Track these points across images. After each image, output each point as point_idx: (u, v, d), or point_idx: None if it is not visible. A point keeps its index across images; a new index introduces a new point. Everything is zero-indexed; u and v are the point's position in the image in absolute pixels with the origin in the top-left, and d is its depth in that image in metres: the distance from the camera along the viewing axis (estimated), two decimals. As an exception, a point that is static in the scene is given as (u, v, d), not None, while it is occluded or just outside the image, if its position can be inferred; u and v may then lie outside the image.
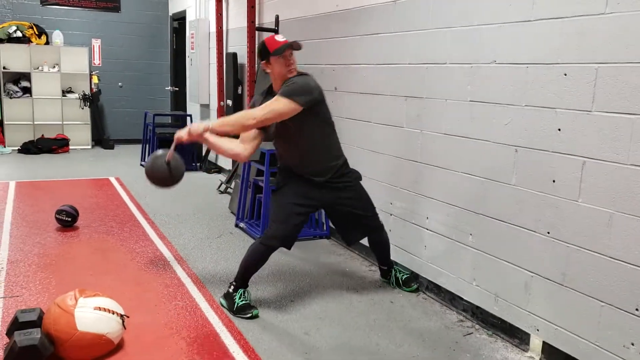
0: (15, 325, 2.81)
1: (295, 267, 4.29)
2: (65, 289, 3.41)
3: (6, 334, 2.89)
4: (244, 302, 3.41)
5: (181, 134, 3.37)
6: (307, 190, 3.49)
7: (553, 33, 2.82)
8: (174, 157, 3.61)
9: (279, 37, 3.41)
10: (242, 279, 3.49)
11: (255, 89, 5.83)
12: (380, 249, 3.93)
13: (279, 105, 3.21)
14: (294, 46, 3.37)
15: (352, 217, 3.67)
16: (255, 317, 3.37)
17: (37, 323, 2.82)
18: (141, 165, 8.40)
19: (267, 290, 3.83)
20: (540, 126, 2.91)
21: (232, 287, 3.49)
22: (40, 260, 4.19)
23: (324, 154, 3.51)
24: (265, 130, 3.44)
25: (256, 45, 6.42)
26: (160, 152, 3.73)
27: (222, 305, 3.49)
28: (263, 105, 3.28)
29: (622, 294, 2.55)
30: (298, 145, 3.45)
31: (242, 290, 3.46)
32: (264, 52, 3.36)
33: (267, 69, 3.41)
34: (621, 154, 2.52)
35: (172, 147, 3.54)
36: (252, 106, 3.48)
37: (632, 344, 2.52)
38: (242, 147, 3.46)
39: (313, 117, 3.35)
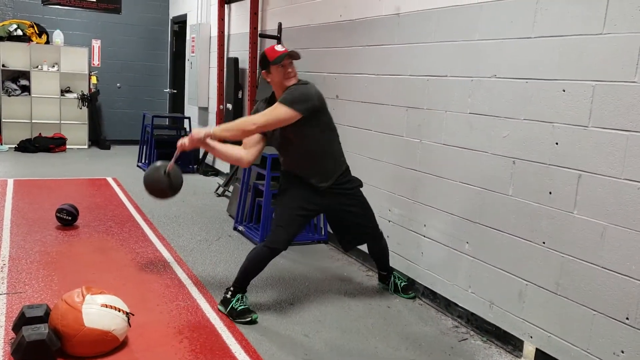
0: (22, 321, 2.87)
1: (294, 272, 4.36)
2: (68, 286, 3.49)
3: (12, 329, 2.95)
4: (243, 306, 3.44)
5: (183, 141, 3.46)
6: (310, 195, 3.56)
7: (552, 50, 2.93)
8: (174, 167, 3.68)
9: (279, 47, 3.49)
10: (241, 284, 3.53)
11: (257, 94, 5.91)
12: (379, 256, 4.02)
13: (279, 112, 3.30)
14: (293, 55, 3.46)
15: (352, 225, 3.76)
16: (255, 321, 3.41)
17: (44, 319, 2.88)
18: (138, 166, 8.46)
19: (267, 293, 3.90)
20: (538, 139, 3.01)
21: (230, 292, 3.51)
22: (41, 257, 4.25)
23: (325, 160, 3.58)
24: (267, 135, 3.52)
25: (258, 52, 6.51)
26: (159, 163, 3.80)
27: (221, 311, 3.51)
28: (264, 111, 3.37)
29: (614, 303, 2.65)
30: (300, 152, 3.53)
31: (240, 295, 3.49)
32: (264, 62, 3.46)
33: (268, 78, 3.50)
34: (615, 168, 2.62)
35: (175, 156, 3.61)
36: (255, 112, 3.57)
37: (622, 352, 2.61)
38: (244, 152, 3.53)
39: (314, 124, 3.43)
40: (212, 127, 3.42)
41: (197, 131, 3.42)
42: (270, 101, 3.57)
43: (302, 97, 3.35)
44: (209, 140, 3.41)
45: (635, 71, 2.53)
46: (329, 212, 3.77)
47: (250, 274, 3.54)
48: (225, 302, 3.50)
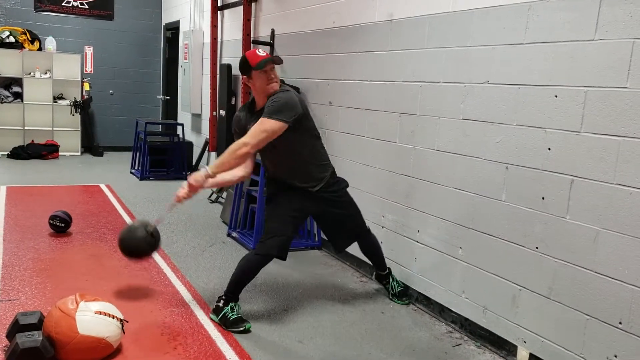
0: (16, 328, 2.86)
1: (288, 278, 4.36)
2: (62, 293, 3.47)
3: (6, 337, 2.93)
4: (235, 315, 3.40)
5: (182, 193, 3.36)
6: (300, 199, 3.54)
7: (544, 56, 2.96)
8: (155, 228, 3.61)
9: (260, 52, 3.40)
10: (233, 292, 3.49)
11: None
12: (372, 252, 4.01)
13: (267, 127, 3.24)
14: (275, 61, 3.41)
15: (340, 223, 3.75)
16: (248, 331, 3.38)
17: (37, 326, 2.87)
18: (131, 173, 8.44)
19: (261, 300, 3.90)
20: (531, 145, 3.04)
21: (222, 301, 3.47)
22: (35, 264, 4.23)
23: (311, 166, 3.55)
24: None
25: (251, 58, 6.52)
26: (136, 223, 3.69)
27: (213, 320, 3.48)
28: (251, 130, 3.30)
29: (607, 308, 2.67)
30: (286, 159, 3.50)
31: (232, 304, 3.46)
32: (245, 67, 3.37)
33: (249, 84, 3.42)
34: (608, 173, 2.65)
35: (169, 208, 3.61)
36: (237, 122, 3.55)
37: (615, 356, 2.63)
38: (242, 170, 3.50)
39: (298, 131, 3.39)
40: (207, 167, 3.33)
41: (195, 179, 3.30)
42: (250, 108, 3.53)
43: (287, 107, 3.29)
44: (210, 180, 3.34)
45: (627, 77, 2.56)
46: (318, 215, 3.76)
47: (241, 283, 3.51)
48: (217, 310, 3.47)
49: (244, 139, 3.30)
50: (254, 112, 3.47)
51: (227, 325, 3.39)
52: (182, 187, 3.37)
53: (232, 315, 3.40)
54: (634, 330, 2.55)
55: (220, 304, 3.47)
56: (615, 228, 2.62)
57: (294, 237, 3.64)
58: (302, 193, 3.54)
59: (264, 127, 3.25)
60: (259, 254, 3.49)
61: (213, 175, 3.31)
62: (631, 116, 2.54)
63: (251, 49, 6.46)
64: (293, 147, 3.45)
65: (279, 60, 3.45)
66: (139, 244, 3.57)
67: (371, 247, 4.01)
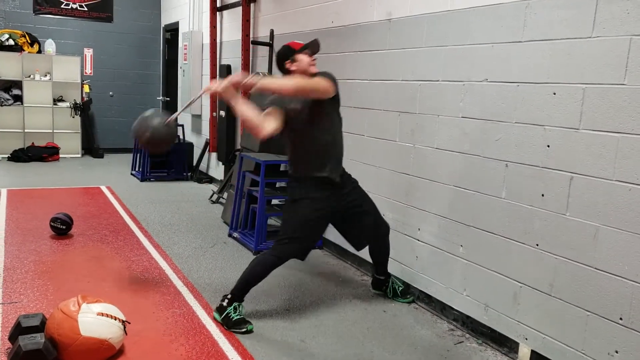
0: (18, 330, 2.87)
1: (290, 277, 4.37)
2: (64, 295, 3.48)
3: (9, 339, 2.94)
4: (238, 316, 3.41)
5: (217, 86, 3.29)
6: (325, 200, 3.51)
7: (543, 54, 2.96)
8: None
9: (299, 41, 3.59)
10: (240, 292, 3.49)
11: (251, 100, 5.90)
12: (382, 257, 3.99)
13: (318, 81, 3.35)
14: (316, 45, 3.55)
15: (364, 218, 3.73)
16: (250, 332, 3.37)
17: (39, 328, 2.88)
18: (132, 174, 8.45)
19: (263, 299, 3.90)
20: (530, 142, 3.04)
21: (227, 300, 3.46)
22: (36, 267, 4.24)
23: (338, 148, 3.59)
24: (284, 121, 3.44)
25: (251, 59, 6.54)
26: (148, 113, 3.61)
27: (216, 319, 3.48)
28: (304, 78, 3.37)
29: (607, 304, 2.67)
30: (317, 138, 3.47)
31: (236, 304, 3.45)
32: (289, 52, 3.48)
33: (293, 67, 3.48)
34: (607, 170, 2.65)
35: (192, 101, 3.62)
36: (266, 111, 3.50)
37: (617, 352, 2.64)
38: (265, 122, 3.35)
39: (334, 109, 3.51)
40: (257, 78, 3.27)
41: (239, 76, 3.25)
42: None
43: (334, 79, 3.43)
44: (247, 84, 3.22)
45: (624, 73, 2.56)
46: (342, 211, 3.67)
47: (251, 283, 3.50)
48: (220, 309, 3.47)
49: (295, 78, 3.37)
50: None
51: (229, 325, 3.39)
52: (218, 81, 3.36)
53: (235, 316, 3.41)
54: (634, 325, 2.56)
55: (224, 303, 3.46)
56: (614, 224, 2.63)
57: (317, 239, 3.62)
58: (327, 189, 3.50)
59: (315, 80, 3.36)
60: (276, 256, 3.48)
61: (258, 88, 3.24)
62: (629, 113, 2.55)
63: (250, 49, 6.50)
64: (326, 125, 3.49)
65: (318, 47, 3.55)
66: (157, 129, 3.60)
67: (383, 250, 3.96)
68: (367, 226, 3.77)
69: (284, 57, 3.50)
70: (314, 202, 3.49)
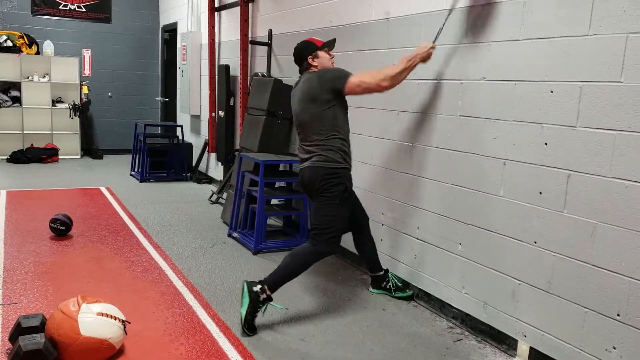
0: (18, 331, 2.88)
1: (289, 276, 4.37)
2: (63, 296, 3.49)
3: (9, 339, 2.95)
4: (254, 320, 3.36)
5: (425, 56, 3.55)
6: (348, 189, 3.60)
7: (540, 52, 2.98)
8: None
9: (318, 38, 3.74)
10: (277, 286, 3.43)
11: (249, 101, 5.92)
12: (371, 249, 4.02)
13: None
14: (333, 43, 3.73)
15: (356, 200, 3.99)
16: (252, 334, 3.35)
17: (39, 328, 2.89)
18: (131, 175, 8.46)
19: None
20: (528, 140, 3.05)
21: (265, 294, 3.36)
22: (36, 268, 4.25)
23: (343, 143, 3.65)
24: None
25: (249, 59, 6.54)
26: None
27: (244, 306, 3.32)
28: (362, 75, 3.53)
29: (605, 300, 2.69)
30: (345, 127, 3.64)
31: (267, 305, 3.39)
32: (311, 48, 3.62)
33: (314, 62, 3.61)
34: (604, 167, 2.66)
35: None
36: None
37: (614, 348, 2.65)
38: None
39: (344, 101, 3.63)
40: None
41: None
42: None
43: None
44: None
45: (621, 71, 2.58)
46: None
47: (292, 275, 3.49)
48: (254, 300, 3.32)
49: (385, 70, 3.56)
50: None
51: (247, 324, 3.32)
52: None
53: (258, 315, 3.37)
54: (632, 322, 2.57)
55: (263, 297, 3.35)
56: (612, 221, 2.64)
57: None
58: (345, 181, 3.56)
59: (359, 74, 3.53)
60: (327, 243, 3.50)
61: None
62: (626, 110, 2.56)
63: (248, 49, 6.51)
64: (346, 117, 3.63)
65: (334, 45, 3.73)
66: None
67: (369, 242, 4.02)
68: (360, 207, 3.98)
69: (306, 52, 3.63)
70: (352, 193, 3.72)
